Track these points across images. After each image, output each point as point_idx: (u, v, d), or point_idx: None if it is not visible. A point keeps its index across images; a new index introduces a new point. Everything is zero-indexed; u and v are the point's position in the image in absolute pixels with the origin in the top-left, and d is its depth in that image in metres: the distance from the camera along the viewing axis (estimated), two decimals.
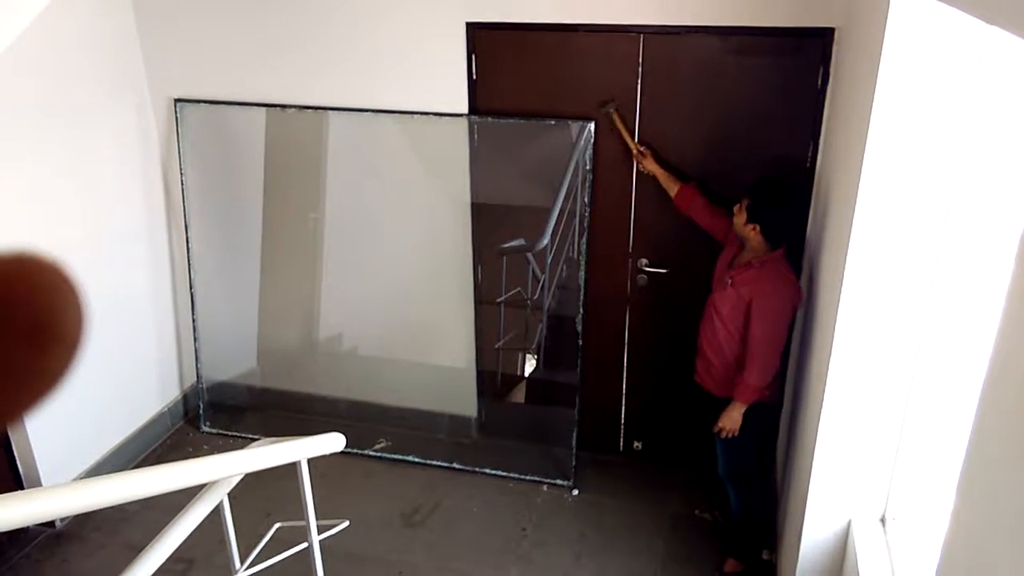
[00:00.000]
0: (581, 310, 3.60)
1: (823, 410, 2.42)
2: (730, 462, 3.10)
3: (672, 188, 3.23)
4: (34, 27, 3.13)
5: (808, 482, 2.55)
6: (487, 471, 3.84)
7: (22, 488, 3.35)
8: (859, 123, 2.25)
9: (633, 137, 3.30)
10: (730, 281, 2.88)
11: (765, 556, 3.26)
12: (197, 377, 4.15)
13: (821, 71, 3.07)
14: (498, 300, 3.85)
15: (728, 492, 3.18)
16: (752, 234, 2.82)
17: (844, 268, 2.26)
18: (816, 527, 2.59)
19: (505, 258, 3.78)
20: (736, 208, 2.87)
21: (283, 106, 3.67)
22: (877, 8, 2.13)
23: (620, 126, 3.27)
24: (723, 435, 2.96)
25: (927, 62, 1.99)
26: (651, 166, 3.26)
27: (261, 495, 3.53)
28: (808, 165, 3.20)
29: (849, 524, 2.54)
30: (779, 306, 2.83)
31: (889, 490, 2.46)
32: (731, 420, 2.93)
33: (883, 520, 2.49)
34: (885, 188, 2.14)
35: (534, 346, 3.98)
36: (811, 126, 3.15)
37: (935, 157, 2.07)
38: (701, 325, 3.08)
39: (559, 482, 3.77)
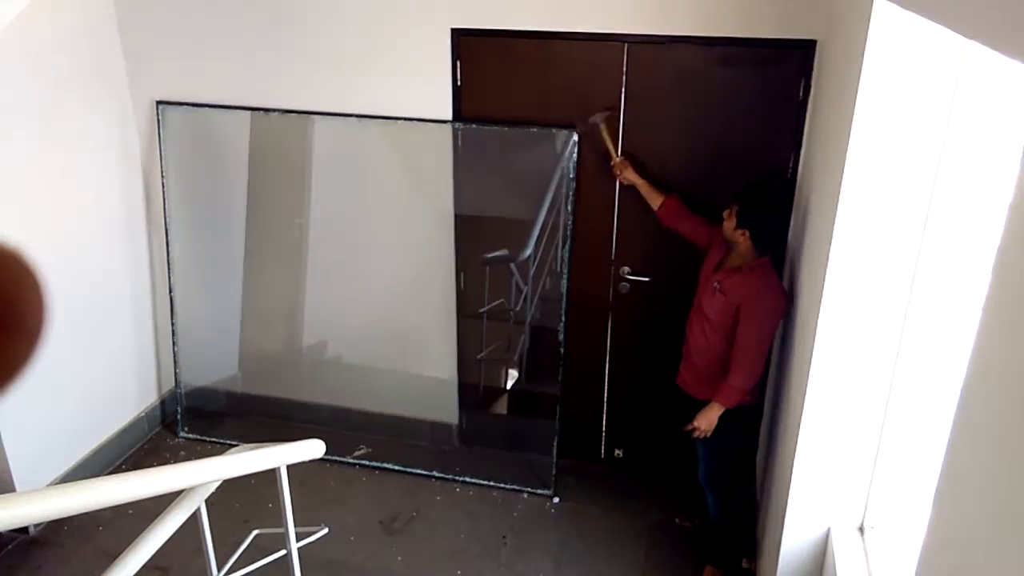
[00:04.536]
0: (563, 318, 3.60)
1: (803, 418, 2.44)
2: (710, 468, 3.11)
3: (655, 200, 3.24)
4: (13, 26, 3.10)
5: (788, 490, 2.56)
6: (468, 479, 3.83)
7: None
8: (840, 134, 2.27)
9: (616, 147, 3.32)
10: (718, 286, 2.89)
11: (745, 564, 3.27)
12: (175, 382, 4.11)
13: (803, 83, 3.10)
14: (481, 311, 3.83)
15: (707, 498, 3.19)
16: (741, 239, 2.83)
17: (824, 278, 2.28)
18: (795, 535, 2.60)
19: (488, 269, 3.77)
20: (726, 213, 2.88)
21: (267, 110, 3.65)
22: (858, 21, 2.16)
23: (607, 135, 3.28)
24: (696, 435, 2.96)
25: (907, 75, 2.02)
26: (632, 176, 3.27)
27: (239, 502, 3.50)
28: (789, 175, 3.23)
29: (828, 532, 2.56)
30: (768, 311, 2.85)
31: (868, 499, 2.48)
32: (707, 420, 2.92)
33: (862, 529, 2.51)
34: (865, 198, 2.17)
35: (516, 358, 3.97)
36: (792, 137, 3.18)
37: (915, 168, 2.10)
38: (687, 328, 3.08)
39: (540, 491, 3.76)
